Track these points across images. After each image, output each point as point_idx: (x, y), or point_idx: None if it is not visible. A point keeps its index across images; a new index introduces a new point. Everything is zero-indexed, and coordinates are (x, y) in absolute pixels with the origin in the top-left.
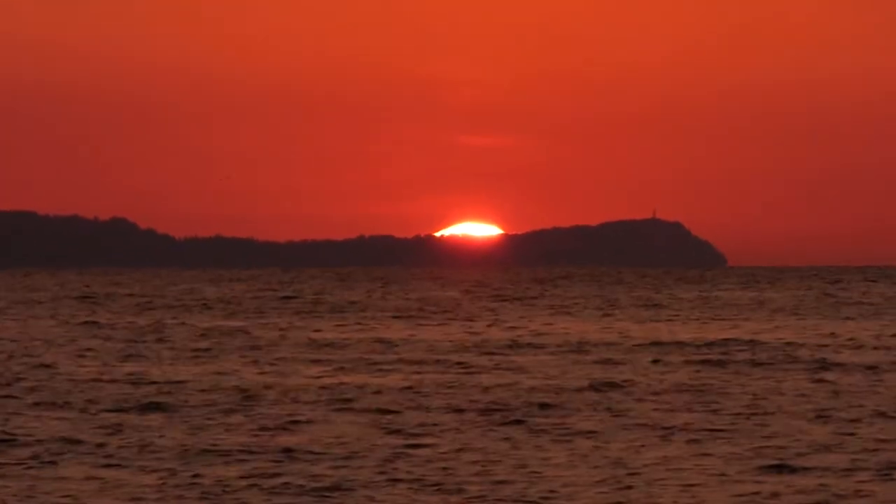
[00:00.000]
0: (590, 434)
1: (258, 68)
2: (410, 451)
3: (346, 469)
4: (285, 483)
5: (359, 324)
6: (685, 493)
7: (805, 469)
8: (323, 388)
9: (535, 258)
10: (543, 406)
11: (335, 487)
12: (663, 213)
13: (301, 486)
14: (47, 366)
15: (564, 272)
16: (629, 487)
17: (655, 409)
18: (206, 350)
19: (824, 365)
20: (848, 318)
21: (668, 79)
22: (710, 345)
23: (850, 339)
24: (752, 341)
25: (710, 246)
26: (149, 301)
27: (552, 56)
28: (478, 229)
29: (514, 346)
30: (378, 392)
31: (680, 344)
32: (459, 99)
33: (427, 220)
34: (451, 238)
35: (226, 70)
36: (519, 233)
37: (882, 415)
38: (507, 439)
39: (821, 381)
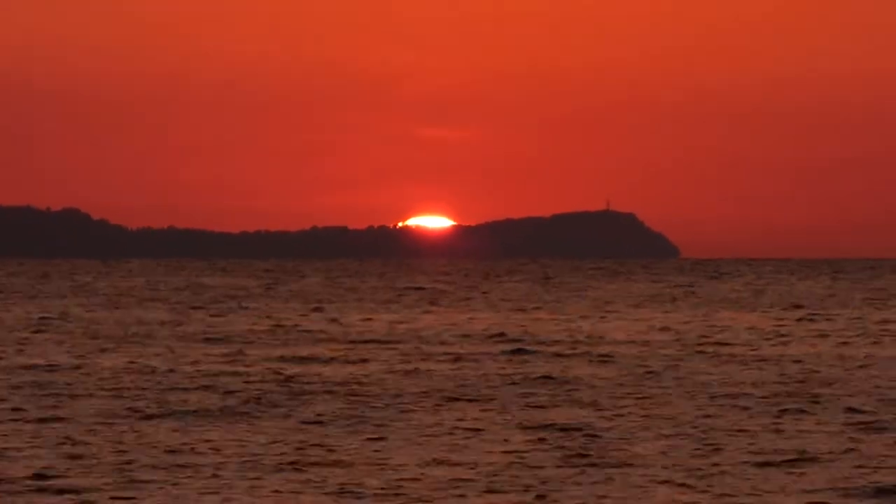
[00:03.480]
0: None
1: (212, 61)
2: None
3: None
4: None
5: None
6: None
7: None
8: None
9: (488, 250)
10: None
11: None
12: (617, 204)
13: None
14: None
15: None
16: None
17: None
18: None
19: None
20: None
21: (621, 72)
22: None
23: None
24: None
25: (663, 238)
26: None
27: (506, 48)
28: (431, 221)
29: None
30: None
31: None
32: (413, 90)
33: (381, 211)
34: (405, 229)
35: (179, 62)
36: (472, 224)
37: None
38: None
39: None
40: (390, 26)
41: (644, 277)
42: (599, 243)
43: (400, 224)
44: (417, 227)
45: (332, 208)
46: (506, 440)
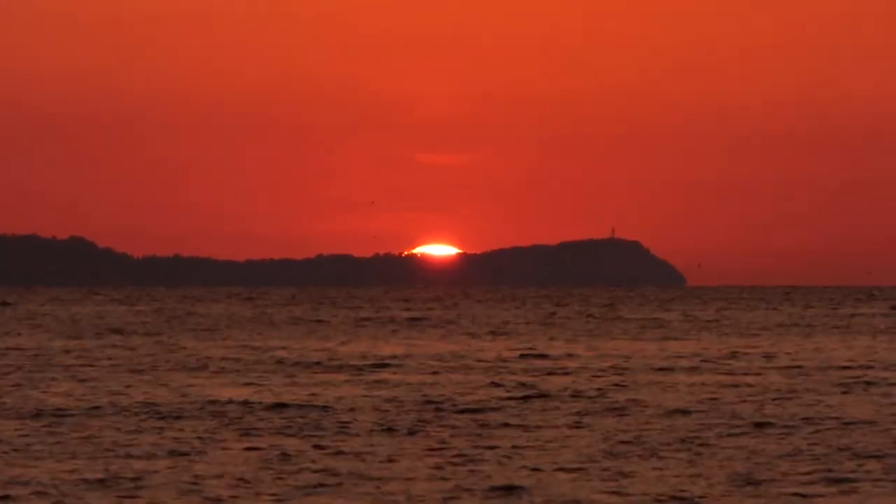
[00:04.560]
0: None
1: (218, 87)
2: None
3: None
4: None
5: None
6: None
7: None
8: None
9: (494, 278)
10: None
11: None
12: (622, 232)
13: None
14: None
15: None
16: None
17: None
18: None
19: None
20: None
21: (627, 98)
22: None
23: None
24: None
25: (669, 266)
26: None
27: (510, 73)
28: (437, 249)
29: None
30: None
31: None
32: (417, 116)
33: (386, 238)
34: (411, 257)
35: (184, 89)
36: (477, 252)
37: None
38: None
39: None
40: (391, 53)
41: (621, 307)
42: (605, 271)
43: (406, 252)
44: (423, 256)
45: (337, 236)
46: (411, 469)
